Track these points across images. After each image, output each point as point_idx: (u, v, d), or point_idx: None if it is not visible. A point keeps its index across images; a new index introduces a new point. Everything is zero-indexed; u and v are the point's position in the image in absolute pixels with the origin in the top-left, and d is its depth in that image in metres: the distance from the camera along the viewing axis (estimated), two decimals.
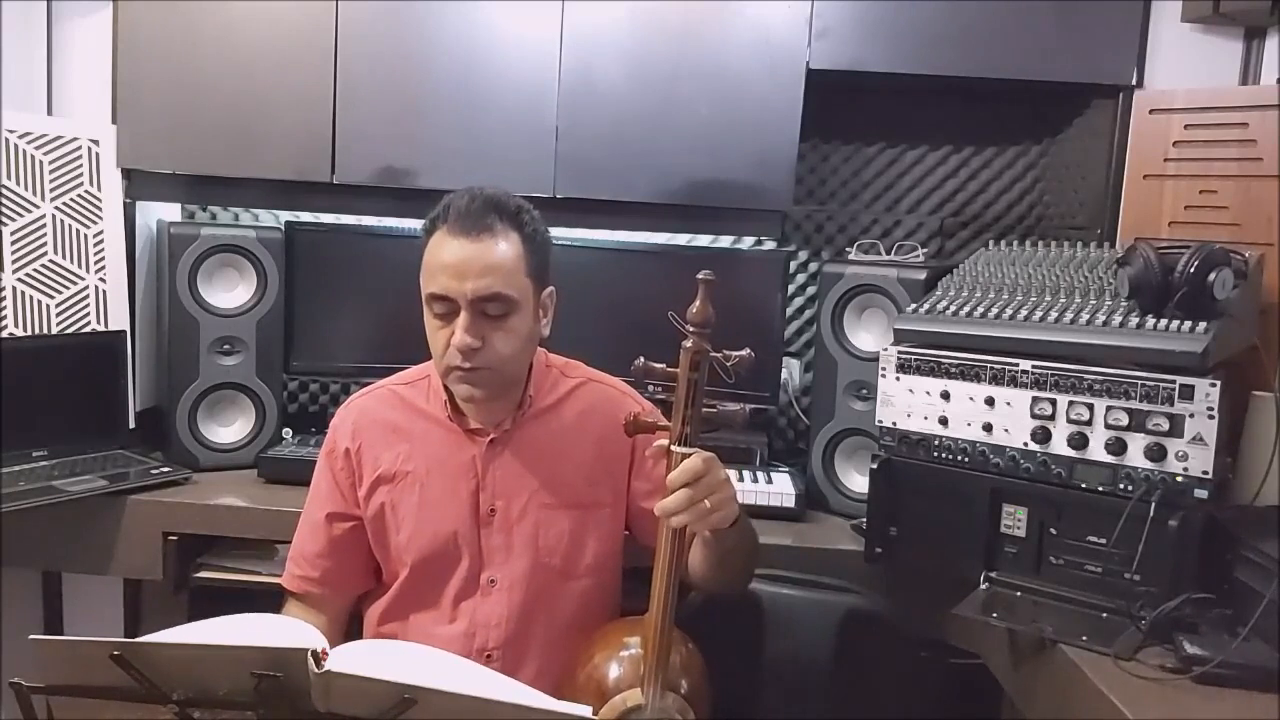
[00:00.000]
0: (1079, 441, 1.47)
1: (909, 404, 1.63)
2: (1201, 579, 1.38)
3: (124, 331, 2.07)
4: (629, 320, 1.96)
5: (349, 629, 1.57)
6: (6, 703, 1.05)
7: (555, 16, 1.99)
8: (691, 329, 1.26)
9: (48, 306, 2.01)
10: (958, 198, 2.32)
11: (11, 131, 1.97)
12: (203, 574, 1.86)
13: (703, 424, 1.28)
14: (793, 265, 2.30)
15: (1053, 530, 1.52)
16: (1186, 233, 1.80)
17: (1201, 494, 1.38)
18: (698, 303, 1.26)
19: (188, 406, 2.01)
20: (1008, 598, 1.52)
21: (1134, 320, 1.48)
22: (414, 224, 2.04)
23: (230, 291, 2.05)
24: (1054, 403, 1.49)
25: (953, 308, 1.65)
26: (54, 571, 2.30)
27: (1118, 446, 1.43)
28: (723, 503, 1.27)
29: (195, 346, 2.01)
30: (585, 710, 0.99)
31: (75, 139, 2.05)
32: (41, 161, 2.01)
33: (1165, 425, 1.40)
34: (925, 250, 2.05)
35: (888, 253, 2.01)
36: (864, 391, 1.91)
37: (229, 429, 2.07)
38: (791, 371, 2.24)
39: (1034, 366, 1.51)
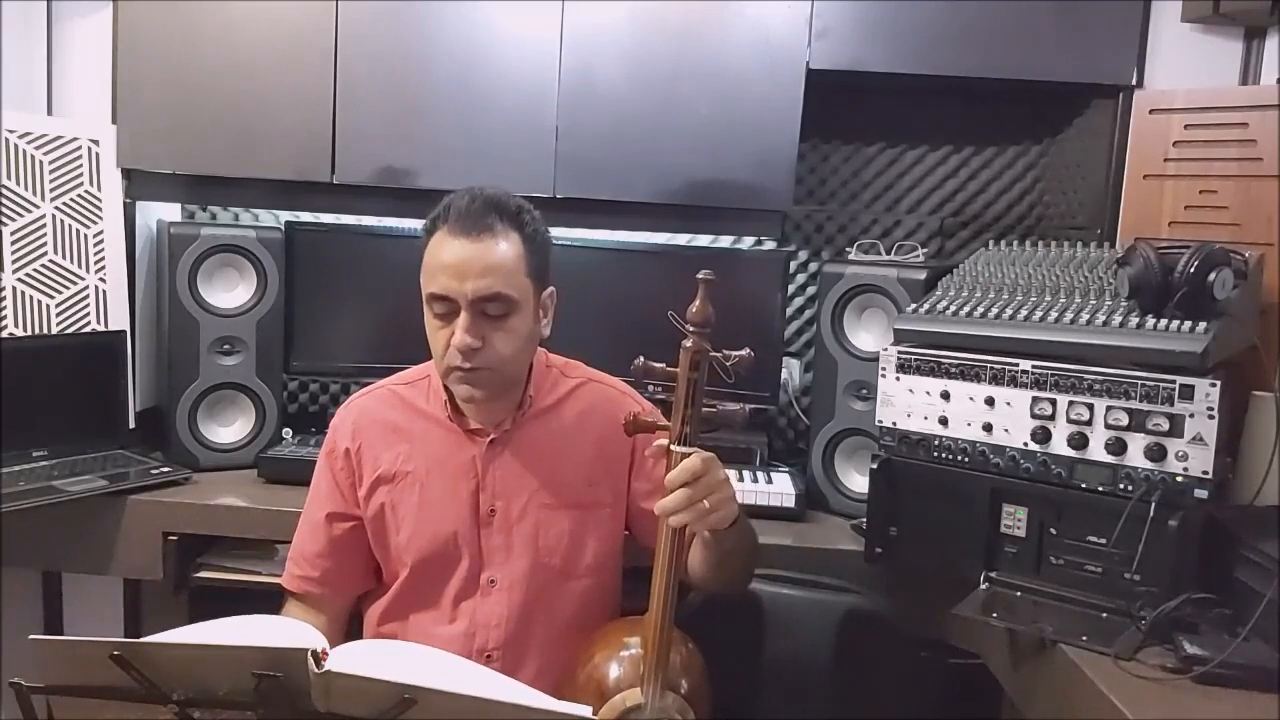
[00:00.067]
0: (1079, 441, 1.47)
1: (909, 404, 1.63)
2: (1201, 579, 1.37)
3: (124, 331, 2.07)
4: (629, 320, 1.95)
5: (349, 629, 1.57)
6: (6, 703, 1.06)
7: (555, 16, 1.99)
8: (691, 329, 1.26)
9: (48, 306, 2.01)
10: (958, 198, 2.32)
11: (11, 131, 1.97)
12: (203, 574, 1.86)
13: (702, 424, 1.28)
14: (793, 265, 2.30)
15: (1053, 530, 1.52)
16: (1186, 233, 1.80)
17: (1201, 494, 1.38)
18: (698, 302, 1.26)
19: (188, 406, 2.01)
20: (1008, 598, 1.52)
21: (1134, 320, 1.48)
22: (414, 224, 2.04)
23: (230, 291, 2.05)
24: (1054, 403, 1.49)
25: (953, 308, 1.65)
26: (54, 571, 2.30)
27: (1118, 446, 1.43)
28: (722, 503, 1.27)
29: (195, 346, 2.01)
30: (585, 710, 0.99)
31: (75, 139, 2.05)
32: (41, 161, 2.01)
33: (1165, 425, 1.40)
34: (925, 250, 2.05)
35: (888, 253, 2.01)
36: (864, 391, 1.90)
37: (229, 429, 2.07)
38: (791, 371, 2.24)
39: (1034, 366, 1.51)
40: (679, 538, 1.29)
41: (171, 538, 1.82)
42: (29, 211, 1.99)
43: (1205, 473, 1.37)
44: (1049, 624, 1.41)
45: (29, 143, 2.00)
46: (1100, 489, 1.45)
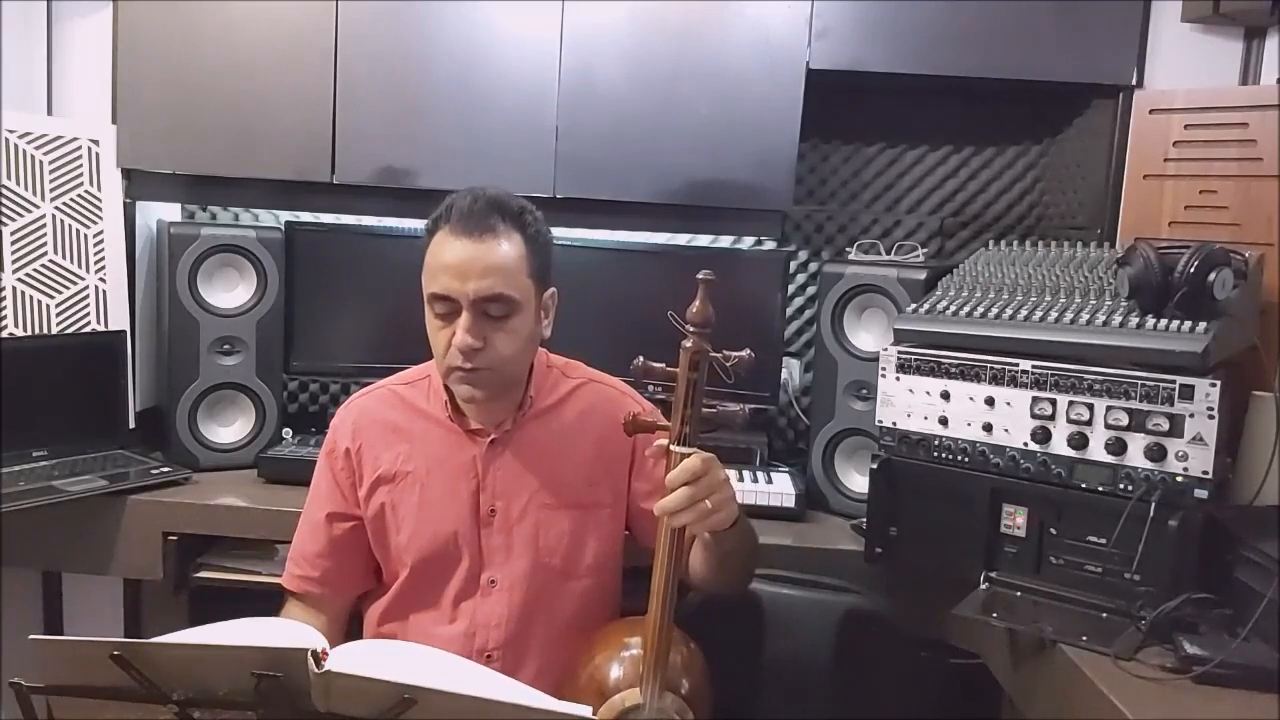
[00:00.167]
0: (1079, 441, 1.47)
1: (909, 404, 1.63)
2: (1201, 579, 1.37)
3: (124, 331, 2.07)
4: (629, 320, 1.95)
5: (349, 629, 1.57)
6: (6, 703, 1.05)
7: (555, 16, 1.99)
8: (691, 329, 1.26)
9: (48, 306, 2.01)
10: (958, 198, 2.32)
11: (11, 131, 1.97)
12: (203, 574, 1.86)
13: (702, 424, 1.28)
14: (793, 265, 2.30)
15: (1053, 530, 1.52)
16: (1186, 233, 1.80)
17: (1201, 494, 1.38)
18: (697, 303, 1.26)
19: (188, 406, 2.01)
20: (1008, 598, 1.52)
21: (1134, 320, 1.48)
22: (414, 224, 2.04)
23: (230, 291, 2.05)
24: (1054, 403, 1.49)
25: (953, 308, 1.65)
26: (54, 571, 2.30)
27: (1118, 446, 1.43)
28: (722, 503, 1.27)
29: (195, 346, 2.01)
30: (585, 710, 0.99)
31: (75, 139, 2.05)
32: (41, 161, 2.01)
33: (1165, 425, 1.40)
34: (925, 250, 2.05)
35: (888, 253, 2.01)
36: (864, 391, 1.91)
37: (229, 429, 2.07)
38: (791, 371, 2.24)
39: (1034, 366, 1.51)
40: (679, 538, 1.29)
41: (171, 538, 1.82)
42: (29, 211, 1.99)
43: (1205, 473, 1.37)
44: (1049, 624, 1.41)
45: (29, 143, 2.00)
46: (1100, 489, 1.45)
